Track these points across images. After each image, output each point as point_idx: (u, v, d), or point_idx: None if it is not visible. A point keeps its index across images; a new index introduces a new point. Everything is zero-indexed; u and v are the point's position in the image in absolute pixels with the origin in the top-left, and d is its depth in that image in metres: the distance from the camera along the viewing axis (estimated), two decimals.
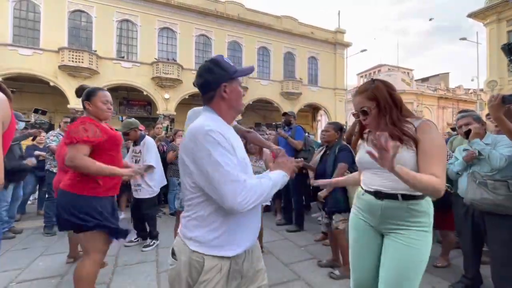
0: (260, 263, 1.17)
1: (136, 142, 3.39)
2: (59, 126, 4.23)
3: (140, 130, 3.55)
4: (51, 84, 13.50)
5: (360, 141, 1.44)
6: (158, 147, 4.00)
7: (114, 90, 15.58)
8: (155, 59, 15.64)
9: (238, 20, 18.02)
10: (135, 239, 3.41)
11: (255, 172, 3.21)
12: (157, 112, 15.35)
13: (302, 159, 1.35)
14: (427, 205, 1.23)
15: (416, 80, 33.09)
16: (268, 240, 3.49)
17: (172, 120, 14.84)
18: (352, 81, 43.88)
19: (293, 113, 4.42)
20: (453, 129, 4.98)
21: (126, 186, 4.56)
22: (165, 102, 15.85)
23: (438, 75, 36.03)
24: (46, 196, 4.08)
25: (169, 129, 5.42)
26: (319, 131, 19.68)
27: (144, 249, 3.19)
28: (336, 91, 21.72)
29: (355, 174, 1.59)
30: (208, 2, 17.25)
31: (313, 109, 22.80)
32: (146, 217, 3.37)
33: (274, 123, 4.76)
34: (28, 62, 13.00)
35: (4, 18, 12.94)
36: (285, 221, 4.33)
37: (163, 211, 4.91)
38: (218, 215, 0.97)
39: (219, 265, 0.96)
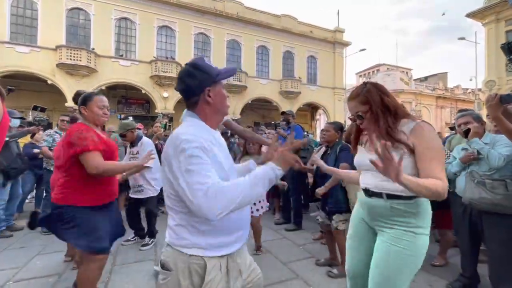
0: (247, 255, 1.18)
1: (133, 143, 3.38)
2: (57, 125, 4.20)
3: (139, 129, 3.54)
4: (49, 82, 13.44)
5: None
6: (156, 146, 3.99)
7: (113, 88, 15.55)
8: (154, 57, 15.58)
9: (237, 19, 17.98)
10: (132, 238, 3.40)
11: None
12: (156, 111, 15.30)
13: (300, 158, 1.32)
14: (416, 206, 1.19)
15: (414, 80, 33.16)
16: (267, 239, 3.49)
17: (170, 119, 14.79)
18: (351, 80, 43.98)
19: (292, 112, 4.42)
20: (452, 128, 4.99)
21: (125, 186, 4.55)
22: (164, 101, 15.81)
23: (436, 74, 36.12)
24: (44, 194, 4.06)
25: (167, 127, 5.38)
26: (317, 130, 19.73)
27: (142, 248, 3.18)
28: (335, 90, 21.73)
29: (354, 172, 1.58)
30: (207, 0, 17.19)
31: (312, 108, 22.81)
32: (149, 215, 3.36)
33: (273, 122, 4.76)
34: (25, 60, 12.92)
35: (1, 15, 12.86)
36: (283, 220, 4.33)
37: (161, 209, 4.90)
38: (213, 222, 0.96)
39: (218, 264, 0.98)
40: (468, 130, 2.15)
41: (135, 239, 3.40)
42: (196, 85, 1.04)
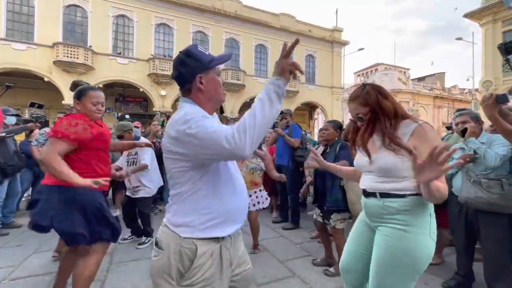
0: (242, 247, 1.18)
1: None
2: (54, 123, 4.16)
3: (136, 127, 3.52)
4: (46, 79, 13.34)
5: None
6: (154, 144, 3.98)
7: (110, 86, 15.46)
8: (152, 55, 15.52)
9: (235, 17, 17.93)
10: (129, 236, 3.40)
11: (252, 169, 3.18)
12: (154, 109, 15.25)
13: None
14: (410, 204, 1.17)
15: (412, 80, 33.29)
16: (264, 238, 3.50)
17: (168, 117, 14.75)
18: (349, 79, 44.03)
19: (290, 111, 4.42)
20: (448, 128, 5.02)
21: (122, 184, 4.54)
22: (162, 99, 15.76)
23: (434, 74, 36.27)
24: None
25: (165, 124, 5.34)
26: (315, 130, 19.77)
27: (139, 246, 3.18)
28: (333, 89, 21.77)
29: (353, 168, 1.58)
30: None
31: (310, 108, 22.84)
32: (141, 215, 3.35)
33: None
34: (22, 57, 12.81)
35: None
36: (281, 218, 4.34)
37: (159, 208, 4.90)
38: (208, 198, 1.00)
39: (210, 250, 0.99)
40: (465, 129, 2.17)
41: (132, 238, 3.40)
42: (188, 72, 1.05)
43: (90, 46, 14.13)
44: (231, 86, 16.91)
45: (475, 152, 2.09)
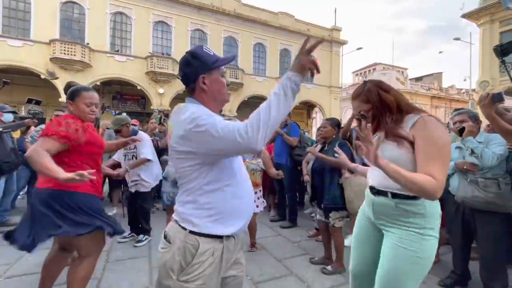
0: (241, 253, 1.19)
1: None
2: (50, 120, 4.12)
3: (134, 125, 3.49)
4: (42, 77, 13.23)
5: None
6: (152, 141, 3.95)
7: (108, 84, 15.37)
8: (150, 53, 15.43)
9: (234, 16, 17.87)
10: (128, 234, 3.38)
11: (252, 170, 3.18)
12: (151, 107, 15.19)
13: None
14: (423, 207, 1.14)
15: (410, 79, 33.43)
16: (262, 236, 3.50)
17: (166, 115, 14.72)
18: (348, 79, 44.08)
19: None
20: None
21: (119, 182, 4.51)
22: (160, 97, 15.69)
23: (432, 74, 36.43)
24: None
25: (162, 120, 5.29)
26: (313, 129, 19.79)
27: (136, 244, 3.16)
28: (332, 88, 21.80)
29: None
30: None
31: (308, 107, 22.85)
32: (140, 210, 3.33)
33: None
34: (18, 54, 12.70)
35: None
36: (279, 217, 4.35)
37: (156, 206, 4.88)
38: (214, 195, 1.02)
39: (212, 249, 1.01)
40: (463, 128, 2.17)
41: (132, 236, 3.38)
42: (192, 72, 1.08)
43: (88, 43, 14.02)
44: (230, 84, 16.86)
45: (472, 152, 2.10)
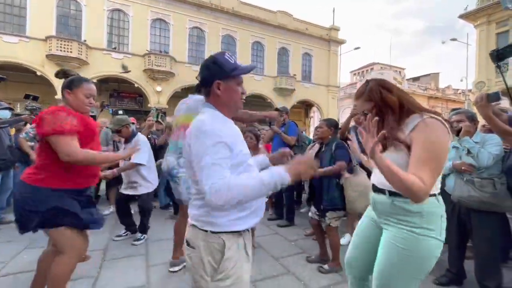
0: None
1: (127, 140, 3.32)
2: None
3: (132, 123, 3.48)
4: (38, 73, 13.11)
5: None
6: (149, 139, 3.94)
7: (105, 81, 15.26)
8: (147, 51, 15.35)
9: (233, 14, 17.82)
10: (123, 233, 3.36)
11: None
12: (149, 105, 15.11)
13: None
14: (419, 206, 1.12)
15: (407, 79, 33.58)
16: (259, 235, 3.50)
17: (164, 113, 14.66)
18: (346, 78, 44.21)
19: (286, 109, 4.40)
20: None
21: (116, 181, 4.49)
22: (157, 95, 15.62)
23: (429, 74, 36.62)
24: None
25: (159, 116, 5.22)
26: (311, 128, 19.83)
27: (134, 242, 3.14)
28: (329, 88, 21.84)
29: None
30: None
31: (306, 106, 22.88)
32: (144, 211, 3.31)
33: (267, 119, 4.74)
34: (13, 50, 12.56)
35: None
36: (276, 216, 4.35)
37: (153, 205, 4.86)
38: None
39: (236, 244, 1.07)
40: (461, 128, 2.18)
41: (127, 234, 3.37)
42: (209, 76, 1.12)
43: (85, 40, 13.91)
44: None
45: (468, 152, 2.12)
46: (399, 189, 1.04)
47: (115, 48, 14.97)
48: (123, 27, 15.34)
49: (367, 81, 1.27)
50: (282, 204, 4.31)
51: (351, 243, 1.50)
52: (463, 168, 2.16)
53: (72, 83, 1.74)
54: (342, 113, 24.75)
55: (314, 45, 21.17)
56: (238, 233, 1.08)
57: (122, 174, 3.29)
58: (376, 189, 1.28)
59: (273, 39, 19.50)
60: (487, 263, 2.13)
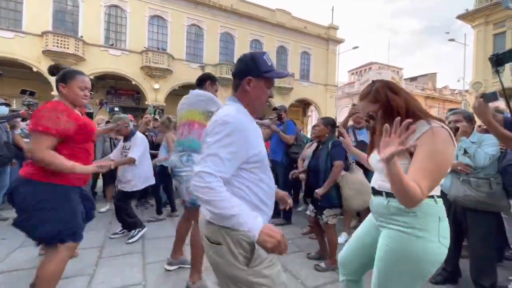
0: None
1: (126, 138, 3.32)
2: None
3: (131, 121, 3.47)
4: (34, 69, 12.97)
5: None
6: (146, 136, 3.92)
7: (102, 78, 15.15)
8: (145, 47, 15.24)
9: (231, 11, 17.74)
10: (120, 231, 3.35)
11: None
12: (146, 102, 15.03)
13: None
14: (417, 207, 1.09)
15: (405, 79, 33.68)
16: None
17: (161, 110, 14.60)
18: (344, 78, 44.29)
19: (284, 107, 4.39)
20: None
21: (112, 178, 4.46)
22: (155, 92, 15.54)
23: (426, 75, 36.78)
24: None
25: (157, 113, 5.17)
26: (309, 127, 19.86)
27: (129, 241, 3.12)
28: (327, 87, 21.86)
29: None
30: None
31: (304, 105, 22.89)
32: (118, 209, 3.27)
33: (266, 117, 4.73)
34: (9, 46, 12.40)
35: None
36: (273, 214, 4.35)
37: (150, 203, 4.85)
38: (247, 191, 1.09)
39: None
40: (457, 128, 2.19)
41: (123, 232, 3.35)
42: (241, 70, 1.15)
43: (81, 36, 13.77)
44: (225, 81, 16.78)
45: (465, 151, 2.13)
46: (398, 194, 1.02)
47: (112, 44, 14.85)
48: (120, 23, 15.20)
49: (373, 82, 1.24)
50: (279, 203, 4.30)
51: (346, 244, 1.51)
52: (459, 168, 2.17)
53: (65, 76, 1.72)
54: (340, 112, 24.82)
55: (313, 44, 21.16)
56: None
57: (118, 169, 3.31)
58: (375, 192, 1.28)
59: (272, 37, 19.46)
60: (482, 262, 2.14)
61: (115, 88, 16.44)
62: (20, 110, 4.12)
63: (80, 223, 1.76)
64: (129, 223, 3.27)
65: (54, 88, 13.27)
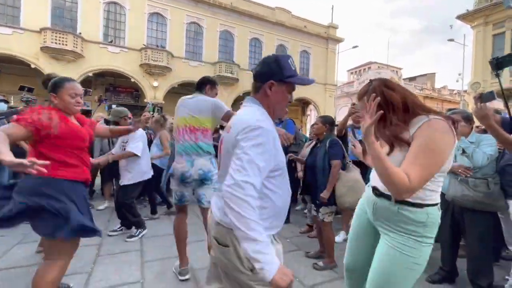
0: None
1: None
2: None
3: (129, 118, 3.45)
4: (32, 66, 12.88)
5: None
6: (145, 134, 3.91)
7: (100, 75, 15.09)
8: (144, 45, 15.16)
9: (231, 9, 17.68)
10: (118, 228, 3.34)
11: None
12: (145, 100, 14.99)
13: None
14: (425, 216, 1.11)
15: (404, 79, 33.73)
16: None
17: (160, 108, 14.56)
18: (343, 77, 44.32)
19: None
20: None
21: (110, 175, 4.46)
22: (154, 90, 15.48)
23: (425, 75, 36.83)
24: None
25: (156, 111, 5.12)
26: (308, 126, 19.86)
27: (128, 239, 3.12)
28: (327, 86, 21.86)
29: None
30: None
31: (303, 104, 22.89)
32: (122, 206, 3.27)
33: None
34: (7, 42, 12.31)
35: None
36: None
37: (147, 200, 4.83)
38: (266, 202, 1.04)
39: (271, 236, 1.07)
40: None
41: (122, 230, 3.35)
42: (264, 73, 1.11)
43: (80, 33, 13.69)
44: (225, 79, 16.76)
45: (463, 151, 2.14)
46: (383, 179, 1.03)
47: (111, 41, 14.77)
48: (119, 20, 15.12)
49: (371, 81, 1.25)
50: None
51: (348, 247, 1.48)
52: (460, 171, 2.18)
53: (55, 86, 1.70)
54: (339, 112, 24.83)
55: (312, 43, 21.13)
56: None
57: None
58: (379, 194, 1.24)
59: (272, 36, 19.42)
60: (479, 261, 2.16)
61: (114, 86, 16.38)
62: (18, 107, 4.10)
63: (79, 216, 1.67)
64: (133, 222, 3.28)
65: None
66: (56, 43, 12.75)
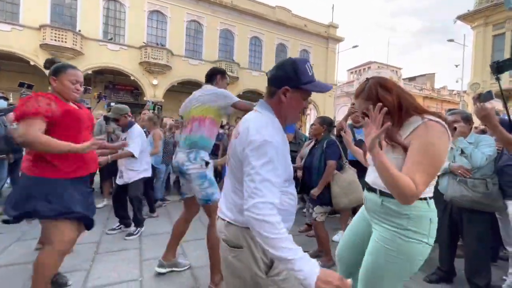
0: None
1: (124, 129, 3.33)
2: None
3: (129, 115, 3.46)
4: (31, 63, 12.84)
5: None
6: (144, 132, 3.90)
7: (100, 73, 15.05)
8: (144, 43, 15.13)
9: (231, 8, 17.63)
10: (117, 226, 3.34)
11: None
12: (144, 98, 14.95)
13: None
14: (408, 208, 1.10)
15: (403, 79, 33.74)
16: None
17: (160, 106, 14.53)
18: (343, 77, 44.32)
19: None
20: None
21: (109, 173, 4.45)
22: (153, 88, 15.45)
23: (425, 75, 36.84)
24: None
25: (156, 109, 5.11)
26: (307, 125, 19.85)
27: (127, 237, 3.12)
28: None
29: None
30: None
31: None
32: (132, 201, 3.28)
33: None
34: (6, 39, 12.26)
35: None
36: None
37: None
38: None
39: None
40: (455, 128, 2.21)
41: (120, 228, 3.35)
42: (279, 78, 1.05)
43: (79, 31, 13.65)
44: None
45: (462, 152, 2.14)
46: (390, 188, 1.02)
47: (111, 39, 14.72)
48: (119, 18, 15.07)
49: (367, 79, 1.24)
50: None
51: (341, 238, 1.55)
52: (459, 171, 2.18)
53: (57, 70, 1.71)
54: (339, 111, 24.84)
55: (312, 42, 21.11)
56: None
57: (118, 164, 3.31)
58: (368, 188, 1.29)
59: (272, 34, 19.39)
60: (477, 261, 2.17)
61: (114, 83, 16.35)
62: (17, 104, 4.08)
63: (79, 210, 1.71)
64: (137, 219, 3.29)
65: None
66: (55, 40, 12.71)
